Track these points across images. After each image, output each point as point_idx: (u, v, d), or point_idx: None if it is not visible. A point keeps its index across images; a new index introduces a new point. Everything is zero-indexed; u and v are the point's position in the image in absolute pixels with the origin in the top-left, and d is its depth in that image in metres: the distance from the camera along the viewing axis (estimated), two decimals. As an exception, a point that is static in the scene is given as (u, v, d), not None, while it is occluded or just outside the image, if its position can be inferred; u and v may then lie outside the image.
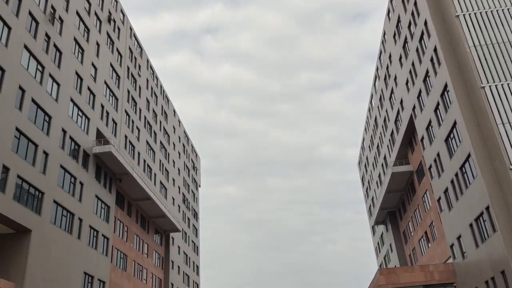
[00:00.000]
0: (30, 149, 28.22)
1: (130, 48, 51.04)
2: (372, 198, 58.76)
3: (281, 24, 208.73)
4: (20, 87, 27.78)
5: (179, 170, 67.14)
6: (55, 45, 32.98)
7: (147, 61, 58.10)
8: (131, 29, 52.40)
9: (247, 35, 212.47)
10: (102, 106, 40.65)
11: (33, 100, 29.06)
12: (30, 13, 29.94)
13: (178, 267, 60.44)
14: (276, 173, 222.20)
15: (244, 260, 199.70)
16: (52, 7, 33.20)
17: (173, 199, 61.41)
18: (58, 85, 32.77)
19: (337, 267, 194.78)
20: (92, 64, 39.63)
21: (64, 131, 32.87)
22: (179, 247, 61.74)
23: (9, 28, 27.33)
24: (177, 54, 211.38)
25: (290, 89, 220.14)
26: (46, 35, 31.90)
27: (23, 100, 27.91)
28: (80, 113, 36.08)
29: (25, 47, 28.95)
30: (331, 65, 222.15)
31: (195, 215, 74.76)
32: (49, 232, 28.93)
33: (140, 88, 53.21)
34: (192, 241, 70.23)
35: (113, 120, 42.84)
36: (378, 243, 60.32)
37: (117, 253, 41.50)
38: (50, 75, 31.75)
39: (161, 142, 59.35)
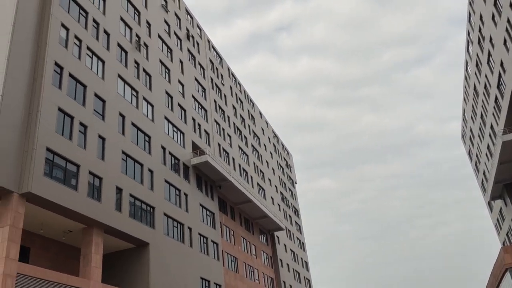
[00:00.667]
0: (137, 169, 30.47)
1: (210, 60, 52.91)
2: (484, 172, 54.20)
3: (354, 6, 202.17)
4: (120, 114, 30.14)
5: (273, 170, 67.97)
6: (144, 70, 35.32)
7: (228, 69, 59.76)
8: (208, 41, 54.31)
9: (321, 24, 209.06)
10: (193, 119, 42.62)
11: (132, 124, 31.37)
12: (118, 45, 32.39)
13: (287, 264, 61.12)
14: (372, 160, 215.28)
15: (350, 252, 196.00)
16: (137, 35, 35.60)
17: (272, 198, 62.30)
18: (152, 106, 35.02)
19: (451, 250, 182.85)
20: (179, 81, 41.76)
21: (164, 148, 35.00)
22: (285, 245, 62.43)
23: (103, 62, 29.81)
24: (255, 57, 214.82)
25: (374, 71, 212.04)
26: (135, 62, 34.28)
27: (124, 124, 30.24)
28: (175, 129, 38.18)
29: (119, 76, 31.36)
30: (414, 38, 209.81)
31: (296, 212, 75.07)
32: (164, 243, 30.97)
33: (225, 96, 54.90)
34: (297, 238, 70.60)
35: (205, 131, 44.70)
36: (497, 220, 55.46)
37: (227, 257, 43.14)
38: (144, 98, 34.05)
39: (252, 145, 60.61)
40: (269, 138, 70.96)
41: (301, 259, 69.52)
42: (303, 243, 73.25)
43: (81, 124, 25.64)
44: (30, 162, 21.13)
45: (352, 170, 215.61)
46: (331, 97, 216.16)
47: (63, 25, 26.45)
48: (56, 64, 24.92)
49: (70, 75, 25.90)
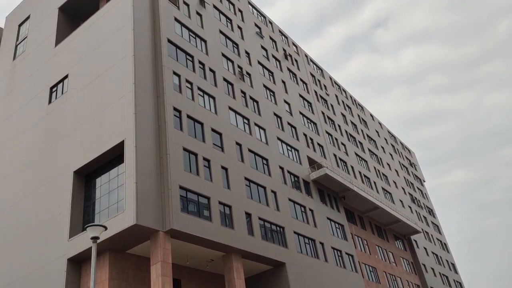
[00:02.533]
0: (261, 192, 31.47)
1: (311, 73, 53.12)
2: None
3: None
4: (237, 143, 31.64)
5: (396, 171, 64.85)
6: (251, 97, 36.78)
7: (330, 78, 59.33)
8: (306, 56, 54.70)
9: (420, 10, 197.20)
10: (305, 135, 42.88)
11: (249, 150, 32.66)
12: (224, 79, 34.32)
13: (432, 269, 57.10)
14: (507, 142, 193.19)
15: (504, 246, 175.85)
16: (239, 66, 37.40)
17: (401, 201, 59.24)
18: (264, 129, 36.14)
19: None
20: (285, 101, 42.57)
21: (282, 168, 35.70)
22: (425, 249, 58.56)
23: (213, 98, 31.78)
24: (355, 60, 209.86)
25: (491, 46, 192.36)
26: (241, 91, 35.92)
27: (242, 152, 31.63)
28: (289, 147, 38.78)
29: (229, 108, 33.09)
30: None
31: (431, 212, 70.21)
32: (299, 261, 31.23)
33: (332, 106, 54.39)
34: (437, 239, 65.78)
35: (318, 144, 44.63)
36: None
37: (365, 268, 41.83)
38: (255, 124, 35.33)
39: (369, 150, 58.73)
40: (385, 139, 68.14)
41: (446, 261, 64.41)
42: (445, 244, 67.96)
43: (204, 159, 27.46)
44: (168, 201, 23.15)
45: (486, 156, 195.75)
46: (446, 83, 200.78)
47: (174, 73, 28.93)
48: (175, 108, 27.23)
49: (188, 116, 28.05)
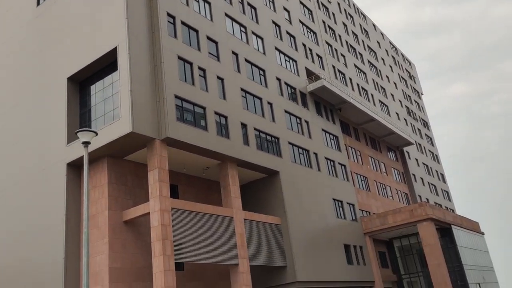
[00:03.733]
0: (257, 103, 31.50)
1: (313, -22, 50.29)
2: None
3: None
4: (233, 52, 30.90)
5: (395, 83, 64.42)
6: (248, 4, 35.16)
7: (333, -16, 56.30)
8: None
9: None
10: (304, 45, 41.79)
11: (246, 60, 32.02)
12: (220, -17, 32.49)
13: (421, 179, 59.33)
14: (510, 55, 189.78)
15: (494, 158, 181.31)
16: (235, -31, 35.21)
17: (397, 114, 59.69)
18: (262, 38, 35.11)
19: None
20: (284, 8, 40.80)
21: (279, 79, 35.33)
22: (416, 160, 60.32)
23: (209, 3, 30.36)
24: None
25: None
26: (238, -3, 34.22)
27: (239, 62, 31.04)
28: (287, 58, 38.02)
29: (226, 14, 31.79)
30: None
31: (425, 124, 71.16)
32: (293, 170, 32.28)
33: (333, 14, 52.32)
34: (429, 151, 67.48)
35: (317, 55, 43.69)
36: None
37: (357, 177, 43.39)
38: (253, 33, 34.22)
39: (369, 61, 57.73)
40: (386, 51, 66.68)
41: (436, 171, 66.73)
42: (436, 156, 69.89)
43: (199, 68, 27.02)
44: (164, 110, 23.22)
45: (487, 70, 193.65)
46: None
47: (167, -25, 27.28)
48: (168, 14, 26.14)
49: (182, 22, 27.03)
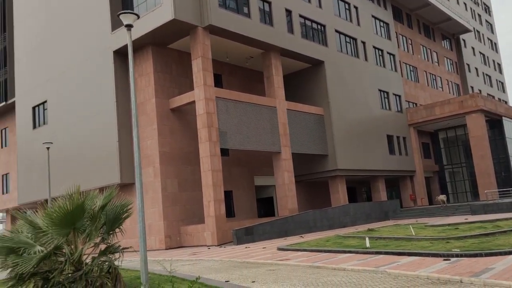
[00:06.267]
0: (303, -13, 29.60)
1: None
2: None
3: None
4: None
5: (458, -38, 57.83)
6: None
7: None
8: None
9: None
10: None
11: None
12: None
13: (476, 69, 56.18)
14: None
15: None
16: None
17: (457, -3, 54.62)
18: None
19: None
20: None
21: (328, -41, 32.53)
22: (473, 48, 56.52)
23: None
24: None
25: None
26: None
27: None
28: None
29: None
30: None
31: (487, 10, 65.11)
32: (338, 60, 31.30)
33: None
34: (488, 39, 62.72)
35: None
36: None
37: (406, 67, 41.66)
38: None
39: None
40: None
41: (493, 61, 62.69)
42: (495, 44, 65.02)
43: None
44: (205, -4, 22.43)
45: None
46: None
47: None
48: None
49: None
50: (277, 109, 26.42)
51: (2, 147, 37.95)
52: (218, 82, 26.62)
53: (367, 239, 14.68)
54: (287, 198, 25.66)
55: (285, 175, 25.85)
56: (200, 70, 22.44)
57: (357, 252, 13.04)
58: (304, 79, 30.84)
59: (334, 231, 23.93)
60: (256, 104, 25.28)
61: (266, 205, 30.24)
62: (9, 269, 8.74)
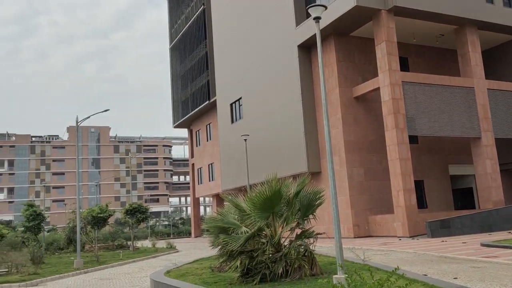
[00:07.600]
0: None
1: None
2: None
3: None
4: None
5: None
6: None
7: None
8: None
9: None
10: None
11: None
12: None
13: None
14: None
15: None
16: None
17: None
18: None
19: None
20: None
21: None
22: None
23: None
24: None
25: None
26: None
27: None
28: None
29: None
30: None
31: None
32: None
33: None
34: None
35: None
36: None
37: None
38: None
39: None
40: None
41: None
42: None
43: None
44: (388, -24, 21.40)
45: None
46: None
47: None
48: None
49: None
50: (474, 90, 23.60)
51: (207, 140, 43.45)
52: (404, 66, 25.18)
53: None
54: (491, 189, 22.76)
55: (486, 163, 22.97)
56: (385, 54, 21.56)
57: None
58: (508, 53, 26.77)
59: (553, 229, 20.24)
60: (448, 85, 23.06)
61: (463, 196, 27.46)
62: (219, 247, 9.97)
